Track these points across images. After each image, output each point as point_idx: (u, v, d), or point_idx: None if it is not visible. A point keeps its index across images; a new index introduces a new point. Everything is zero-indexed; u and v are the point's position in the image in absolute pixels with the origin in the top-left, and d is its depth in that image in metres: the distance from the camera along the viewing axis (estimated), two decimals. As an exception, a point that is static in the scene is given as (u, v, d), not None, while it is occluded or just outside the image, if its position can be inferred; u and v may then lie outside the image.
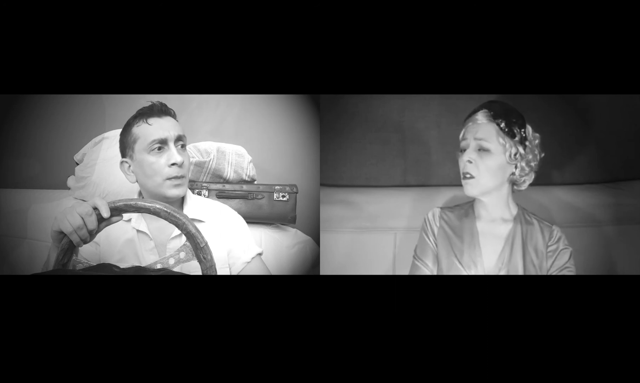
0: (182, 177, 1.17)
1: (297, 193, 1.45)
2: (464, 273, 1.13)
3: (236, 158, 1.49)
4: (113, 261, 1.14)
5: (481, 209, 1.16)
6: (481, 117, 1.11)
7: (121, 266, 0.96)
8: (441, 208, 1.21)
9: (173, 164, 1.15)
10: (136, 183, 1.20)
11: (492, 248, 1.14)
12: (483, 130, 1.10)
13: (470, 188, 1.11)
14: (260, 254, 1.24)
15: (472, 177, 1.10)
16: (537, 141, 1.12)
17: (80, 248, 0.97)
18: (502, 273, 1.12)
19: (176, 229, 1.14)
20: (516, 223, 1.14)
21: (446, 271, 1.14)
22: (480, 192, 1.11)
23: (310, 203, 1.52)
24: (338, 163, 1.45)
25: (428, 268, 1.17)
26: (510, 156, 1.10)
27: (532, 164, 1.12)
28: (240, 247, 1.22)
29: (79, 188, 1.49)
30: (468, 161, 1.10)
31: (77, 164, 1.53)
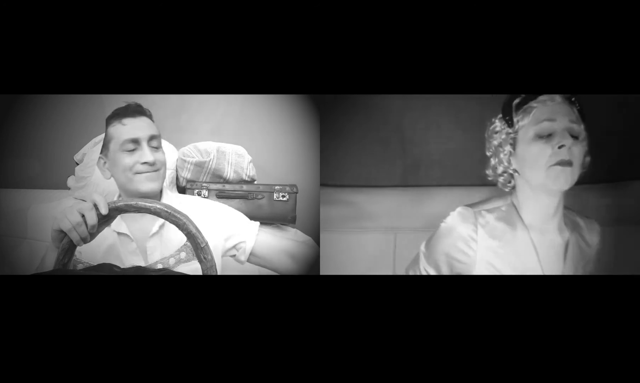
0: (154, 171, 1.18)
1: (297, 193, 1.45)
2: None
3: (236, 158, 1.49)
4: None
5: (531, 215, 0.96)
6: (558, 97, 0.97)
7: (121, 267, 0.96)
8: (471, 206, 0.97)
9: (144, 162, 1.17)
10: (111, 178, 1.22)
11: (553, 268, 0.96)
12: (571, 113, 0.95)
13: (565, 181, 0.91)
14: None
15: (570, 164, 0.91)
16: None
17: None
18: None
19: (155, 226, 1.15)
20: (570, 231, 0.98)
21: None
22: (571, 185, 0.93)
23: (310, 203, 1.52)
24: (338, 163, 1.45)
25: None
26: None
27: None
28: (240, 234, 1.24)
29: (79, 188, 1.49)
30: (565, 146, 0.92)
31: (77, 164, 1.53)
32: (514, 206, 0.97)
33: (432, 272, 1.02)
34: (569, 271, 0.96)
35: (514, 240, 0.95)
